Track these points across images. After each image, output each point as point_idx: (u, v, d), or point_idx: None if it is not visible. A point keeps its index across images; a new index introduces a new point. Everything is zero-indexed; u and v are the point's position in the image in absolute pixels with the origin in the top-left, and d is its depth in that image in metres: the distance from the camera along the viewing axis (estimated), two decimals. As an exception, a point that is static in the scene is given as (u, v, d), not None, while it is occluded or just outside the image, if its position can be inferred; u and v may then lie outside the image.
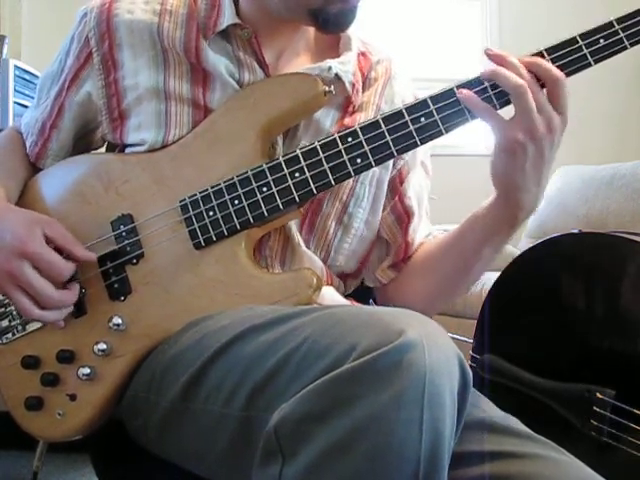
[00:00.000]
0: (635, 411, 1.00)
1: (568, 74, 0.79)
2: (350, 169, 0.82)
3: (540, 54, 0.80)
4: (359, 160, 0.82)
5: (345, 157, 0.82)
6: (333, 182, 0.82)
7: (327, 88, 0.84)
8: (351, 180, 0.90)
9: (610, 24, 0.79)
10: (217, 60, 0.88)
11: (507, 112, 0.80)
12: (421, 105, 0.81)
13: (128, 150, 0.91)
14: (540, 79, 0.78)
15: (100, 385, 0.83)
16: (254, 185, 0.83)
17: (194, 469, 0.77)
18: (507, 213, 0.85)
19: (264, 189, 0.83)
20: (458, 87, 0.80)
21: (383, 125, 0.81)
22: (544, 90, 0.78)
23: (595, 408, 1.03)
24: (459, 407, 0.59)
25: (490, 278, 1.21)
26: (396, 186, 0.97)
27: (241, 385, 0.67)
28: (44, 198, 0.93)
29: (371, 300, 1.09)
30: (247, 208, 0.83)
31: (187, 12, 0.90)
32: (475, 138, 3.17)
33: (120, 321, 0.83)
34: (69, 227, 0.86)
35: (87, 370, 0.83)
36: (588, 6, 3.05)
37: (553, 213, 2.96)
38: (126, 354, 0.83)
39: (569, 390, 1.07)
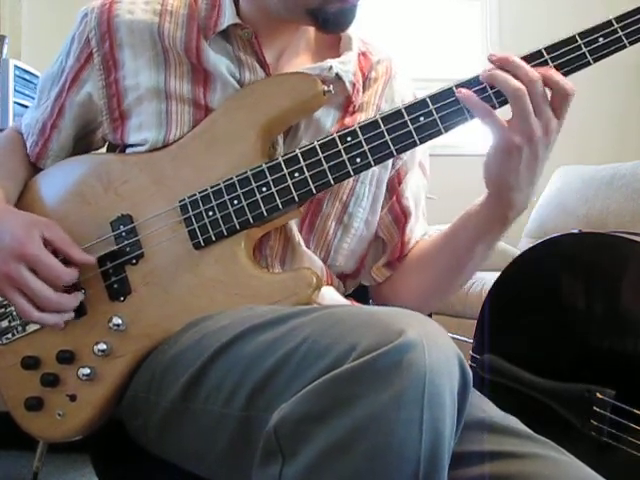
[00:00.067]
0: (635, 411, 1.00)
1: (567, 73, 0.79)
2: (349, 169, 0.82)
3: (539, 53, 0.79)
4: (358, 160, 0.82)
5: (344, 157, 0.82)
6: (332, 182, 0.82)
7: (326, 88, 0.84)
8: (351, 180, 0.90)
9: (609, 23, 0.79)
10: (218, 60, 0.88)
11: (506, 111, 0.80)
12: (420, 104, 0.81)
13: (129, 150, 0.91)
14: (548, 87, 0.77)
15: (100, 385, 0.83)
16: (253, 185, 0.83)
17: (194, 469, 0.77)
18: (499, 212, 0.85)
19: (263, 189, 0.83)
20: (457, 86, 0.80)
21: (382, 124, 0.81)
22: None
23: (595, 408, 1.03)
24: (459, 407, 0.59)
25: (490, 278, 1.21)
26: (394, 186, 0.97)
27: (241, 385, 0.67)
28: (43, 198, 0.93)
29: (371, 300, 1.09)
30: (246, 208, 0.83)
31: (188, 12, 0.91)
32: (474, 138, 3.18)
33: (120, 321, 0.83)
34: (69, 227, 0.86)
35: (87, 370, 0.83)
36: (588, 6, 3.04)
37: (553, 213, 2.96)
38: (126, 354, 0.83)
39: (569, 390, 1.07)
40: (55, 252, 0.84)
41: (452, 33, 3.59)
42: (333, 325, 0.62)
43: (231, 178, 0.84)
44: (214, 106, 0.88)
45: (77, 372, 0.83)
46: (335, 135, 0.82)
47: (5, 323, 0.89)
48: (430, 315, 1.49)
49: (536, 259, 1.20)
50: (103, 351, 0.83)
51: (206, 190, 0.84)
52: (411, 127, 0.81)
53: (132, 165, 0.89)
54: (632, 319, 1.04)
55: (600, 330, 1.07)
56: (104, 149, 0.99)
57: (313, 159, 0.82)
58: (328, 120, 0.91)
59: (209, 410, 0.71)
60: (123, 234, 0.86)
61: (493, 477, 0.71)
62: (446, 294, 1.01)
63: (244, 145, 0.85)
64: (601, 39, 0.78)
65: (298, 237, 0.89)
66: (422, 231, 1.01)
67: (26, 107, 2.12)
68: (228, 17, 0.89)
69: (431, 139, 0.81)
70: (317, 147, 0.82)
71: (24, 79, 2.24)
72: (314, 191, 0.83)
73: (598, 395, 1.03)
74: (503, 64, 0.78)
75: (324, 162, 0.82)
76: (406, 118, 0.81)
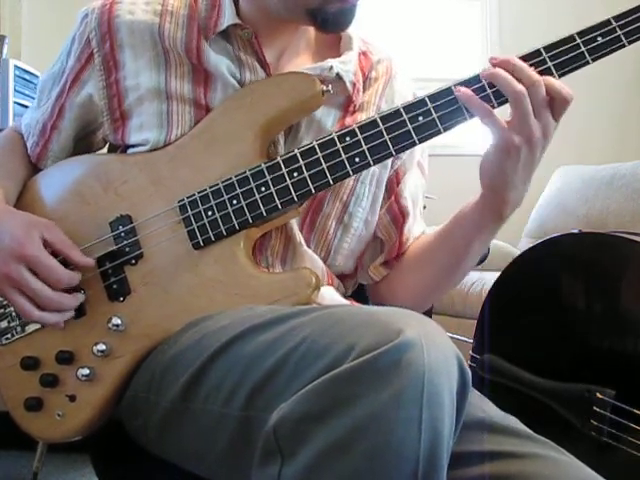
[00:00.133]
0: (635, 411, 1.00)
1: (566, 72, 0.79)
2: (349, 168, 0.82)
3: (538, 52, 0.79)
4: (357, 159, 0.82)
5: (343, 156, 0.82)
6: (331, 181, 0.82)
7: (325, 88, 0.84)
8: (351, 179, 0.91)
9: (607, 22, 0.79)
10: (218, 60, 0.88)
11: (505, 110, 0.80)
12: (419, 104, 0.81)
13: (130, 151, 0.91)
14: (549, 94, 0.77)
15: (99, 386, 0.83)
16: (252, 185, 0.83)
17: (194, 469, 0.77)
18: (494, 209, 0.85)
19: (262, 189, 0.83)
20: (456, 85, 0.80)
21: (381, 124, 0.81)
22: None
23: (595, 408, 1.03)
24: (458, 406, 0.59)
25: (490, 278, 1.21)
26: (392, 186, 0.97)
27: (240, 385, 0.67)
28: (43, 199, 0.93)
29: (371, 302, 1.09)
30: (245, 208, 0.83)
31: (188, 13, 0.91)
32: (474, 138, 3.18)
33: (119, 322, 0.83)
34: (68, 228, 0.86)
35: (86, 371, 0.83)
36: (588, 6, 3.05)
37: (553, 213, 2.97)
38: (125, 354, 0.83)
39: (569, 390, 1.07)
40: (54, 253, 0.84)
41: (452, 33, 3.60)
42: (332, 325, 0.62)
43: (230, 178, 0.84)
44: (215, 106, 0.88)
45: (76, 372, 0.83)
46: (334, 135, 0.82)
47: (4, 324, 0.89)
48: (430, 315, 1.49)
49: (536, 259, 1.20)
50: (102, 351, 0.83)
51: (205, 190, 0.84)
52: (410, 127, 0.81)
53: (131, 165, 0.89)
54: (632, 319, 1.04)
55: (600, 330, 1.07)
56: (105, 149, 0.99)
57: (312, 159, 0.82)
58: (329, 120, 0.91)
59: (209, 410, 0.71)
60: (122, 234, 0.86)
61: (493, 477, 0.71)
62: (443, 292, 1.02)
63: (243, 145, 0.85)
64: (600, 38, 0.78)
65: (299, 237, 0.89)
66: (420, 230, 1.01)
67: (26, 107, 2.12)
68: (228, 17, 0.89)
69: (430, 139, 0.81)
70: (316, 147, 0.82)
71: (24, 79, 2.24)
72: (313, 191, 0.83)
73: (598, 395, 1.03)
74: (505, 67, 0.78)
75: (323, 162, 0.82)
76: (405, 117, 0.81)
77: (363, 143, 0.81)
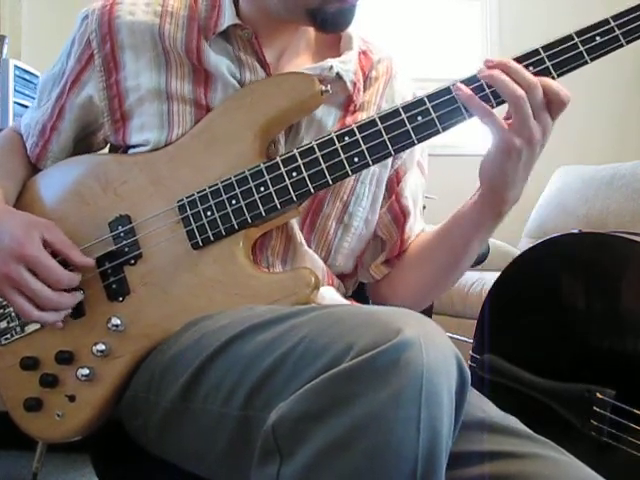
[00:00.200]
0: (635, 411, 1.00)
1: (564, 72, 0.79)
2: (347, 168, 0.82)
3: (536, 52, 0.79)
4: (356, 159, 0.82)
5: (342, 156, 0.82)
6: (330, 181, 0.82)
7: (324, 87, 0.84)
8: (352, 179, 0.91)
9: (606, 21, 0.79)
10: (219, 61, 0.88)
11: (503, 108, 0.80)
12: (418, 103, 0.81)
13: (131, 151, 0.91)
14: (546, 96, 0.77)
15: (99, 386, 0.83)
16: (251, 185, 0.83)
17: (194, 469, 0.77)
18: (493, 208, 0.86)
19: (261, 189, 0.83)
20: (455, 84, 0.80)
21: (380, 123, 0.81)
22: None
23: (595, 408, 1.03)
24: (457, 406, 0.59)
25: (490, 278, 1.21)
26: (393, 186, 0.97)
27: (240, 384, 0.67)
28: (42, 199, 0.93)
29: (370, 300, 1.09)
30: (245, 208, 0.83)
31: (188, 13, 0.91)
32: (474, 138, 3.18)
33: (119, 322, 0.83)
34: (67, 228, 0.86)
35: (86, 371, 0.83)
36: (588, 6, 3.05)
37: (553, 213, 2.97)
38: (125, 355, 0.83)
39: (569, 390, 1.07)
40: (54, 254, 0.84)
41: (452, 33, 3.60)
42: (331, 324, 0.62)
43: (229, 178, 0.84)
44: (215, 106, 0.88)
45: (76, 372, 0.83)
46: (333, 134, 0.82)
47: (4, 324, 0.89)
48: (430, 315, 1.49)
49: (536, 259, 1.20)
50: (102, 351, 0.83)
51: (204, 190, 0.84)
52: (409, 126, 0.81)
53: (130, 165, 0.89)
54: (632, 319, 1.04)
55: (600, 330, 1.07)
56: (106, 150, 0.99)
57: (311, 158, 0.82)
58: (329, 119, 0.91)
59: (208, 410, 0.71)
60: (121, 234, 0.86)
61: (493, 477, 0.71)
62: (442, 289, 1.02)
63: (242, 145, 0.85)
64: (598, 38, 0.78)
65: (300, 237, 0.89)
66: (420, 228, 1.02)
67: (26, 107, 2.12)
68: (228, 18, 0.89)
69: (429, 138, 0.81)
70: (315, 146, 0.82)
71: (24, 79, 2.24)
72: (312, 191, 0.83)
73: (598, 395, 1.03)
74: (501, 70, 0.78)
75: (322, 161, 0.82)
76: (404, 117, 0.81)
77: (362, 143, 0.81)
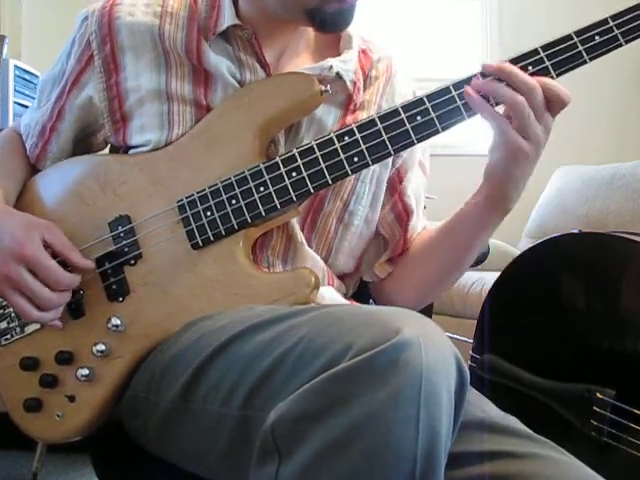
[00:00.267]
0: (635, 411, 1.00)
1: (564, 72, 0.79)
2: (347, 168, 0.82)
3: (535, 51, 0.80)
4: (356, 159, 0.82)
5: (342, 156, 0.82)
6: (330, 181, 0.82)
7: (323, 88, 0.84)
8: (352, 178, 0.91)
9: (605, 21, 0.79)
10: (219, 61, 0.88)
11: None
12: (417, 103, 0.81)
13: (131, 152, 0.91)
14: (546, 96, 0.78)
15: (99, 386, 0.83)
16: (251, 185, 0.83)
17: (194, 469, 0.77)
18: (499, 207, 0.87)
19: (261, 189, 0.83)
20: (455, 85, 0.80)
21: (379, 123, 0.81)
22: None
23: (595, 408, 1.03)
24: (456, 406, 0.59)
25: (490, 278, 1.21)
26: (395, 185, 0.97)
27: (239, 384, 0.67)
28: (42, 199, 0.93)
29: (371, 300, 1.09)
30: (244, 208, 0.83)
31: (188, 14, 0.91)
32: (475, 138, 3.18)
33: (119, 322, 0.83)
34: (67, 228, 0.86)
35: (86, 371, 0.83)
36: (588, 6, 3.04)
37: (553, 213, 2.97)
38: (125, 355, 0.83)
39: (569, 390, 1.07)
40: (54, 255, 0.84)
41: (452, 33, 3.59)
42: (330, 324, 0.62)
43: (229, 178, 0.84)
44: (215, 106, 0.88)
45: (76, 373, 0.83)
46: (332, 134, 0.82)
47: (4, 324, 0.89)
48: (430, 315, 1.50)
49: (536, 259, 1.20)
50: (102, 352, 0.83)
51: (204, 190, 0.84)
52: (408, 126, 0.81)
53: (130, 166, 0.89)
54: (632, 319, 1.04)
55: (600, 330, 1.07)
56: (106, 151, 0.99)
57: (310, 158, 0.82)
58: (330, 119, 0.91)
59: (208, 410, 0.71)
60: (121, 235, 0.86)
61: (493, 477, 0.71)
62: (446, 286, 1.04)
63: (242, 145, 0.85)
64: (597, 37, 0.79)
65: (301, 236, 0.89)
66: (421, 226, 1.02)
67: (26, 107, 2.12)
68: (227, 18, 0.89)
69: (428, 138, 0.81)
70: (314, 146, 0.82)
71: (24, 79, 2.24)
72: (312, 191, 0.83)
73: (598, 395, 1.03)
74: (499, 75, 0.79)
75: (321, 161, 0.82)
76: (403, 117, 0.81)
77: (361, 142, 0.81)
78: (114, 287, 0.86)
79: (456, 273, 1.00)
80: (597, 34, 0.79)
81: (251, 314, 0.73)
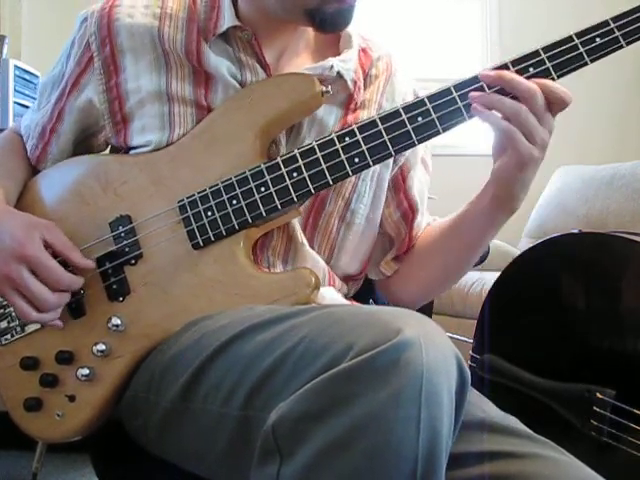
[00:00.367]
0: (635, 411, 1.00)
1: (564, 73, 0.80)
2: (348, 169, 0.82)
3: (536, 53, 0.80)
4: (357, 159, 0.82)
5: (343, 156, 0.82)
6: (331, 182, 0.82)
7: (324, 88, 0.84)
8: (353, 177, 0.91)
9: (606, 23, 0.79)
10: (219, 62, 0.88)
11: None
12: (418, 104, 0.81)
13: (132, 152, 0.91)
14: (547, 97, 0.78)
15: (99, 386, 0.83)
16: (252, 185, 0.83)
17: (194, 469, 0.77)
18: (506, 207, 0.87)
19: (262, 189, 0.83)
20: (456, 88, 0.81)
21: (380, 124, 0.81)
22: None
23: (595, 408, 1.03)
24: (457, 406, 0.59)
25: (490, 278, 1.21)
26: (399, 183, 0.98)
27: (239, 384, 0.67)
28: (43, 199, 0.93)
29: (371, 300, 1.10)
30: (245, 208, 0.83)
31: (187, 15, 0.91)
32: (475, 138, 3.18)
33: (119, 322, 0.83)
34: (68, 228, 0.86)
35: (86, 371, 0.83)
36: (588, 6, 3.05)
37: (553, 213, 2.97)
38: (125, 355, 0.83)
39: (569, 390, 1.07)
40: (54, 255, 0.84)
41: (452, 33, 3.59)
42: (331, 324, 0.62)
43: (230, 178, 0.84)
44: (216, 107, 0.88)
45: (76, 372, 0.83)
46: (333, 135, 0.82)
47: (4, 324, 0.89)
48: (430, 315, 1.50)
49: (536, 259, 1.20)
50: (102, 351, 0.83)
51: (205, 190, 0.84)
52: (409, 127, 0.81)
53: (131, 166, 0.89)
54: (632, 319, 1.04)
55: (600, 330, 1.07)
56: (106, 152, 0.99)
57: (311, 159, 0.82)
58: (331, 119, 0.91)
59: (208, 410, 0.71)
60: (122, 234, 0.86)
61: (493, 477, 0.71)
62: (451, 284, 1.06)
63: (243, 145, 0.85)
64: (598, 39, 0.79)
65: (301, 237, 0.89)
66: (426, 223, 1.03)
67: (26, 107, 2.12)
68: (227, 19, 0.89)
69: (429, 139, 0.82)
70: (315, 147, 0.82)
71: (24, 79, 2.24)
72: (313, 191, 0.83)
73: (598, 395, 1.03)
74: (499, 83, 0.79)
75: (322, 162, 0.82)
76: (404, 118, 0.81)
77: (362, 143, 0.82)
78: (114, 287, 0.86)
79: (461, 271, 1.01)
80: (598, 36, 0.79)
81: (251, 314, 0.73)
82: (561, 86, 0.79)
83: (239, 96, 0.87)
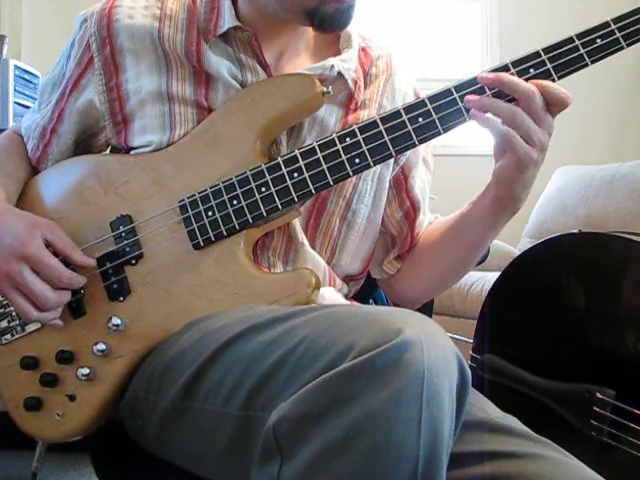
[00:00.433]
0: (635, 411, 1.00)
1: (565, 74, 0.80)
2: (349, 169, 0.82)
3: (537, 54, 0.80)
4: (357, 160, 0.82)
5: (343, 157, 0.82)
6: (332, 182, 0.83)
7: (325, 89, 0.84)
8: (354, 177, 0.91)
9: (606, 24, 0.79)
10: (219, 63, 0.88)
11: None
12: (419, 105, 0.81)
13: (133, 153, 0.91)
14: (546, 98, 0.78)
15: (99, 385, 0.83)
16: (253, 185, 0.83)
17: (194, 469, 0.77)
18: (508, 207, 0.87)
19: (263, 189, 0.83)
20: (457, 89, 0.81)
21: (381, 125, 0.81)
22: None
23: (595, 408, 1.03)
24: (458, 406, 0.59)
25: (490, 278, 1.21)
26: (401, 183, 0.98)
27: (240, 384, 0.67)
28: (43, 199, 0.93)
29: (371, 300, 1.10)
30: (246, 208, 0.83)
31: (187, 16, 0.91)
32: (475, 138, 3.17)
33: (119, 321, 0.83)
34: (68, 228, 0.86)
35: (86, 370, 0.83)
36: (588, 6, 3.05)
37: (553, 213, 2.96)
38: (125, 354, 0.83)
39: (569, 390, 1.07)
40: (55, 254, 0.84)
41: (452, 33, 3.59)
42: (332, 325, 0.62)
43: (230, 178, 0.84)
44: (216, 107, 0.88)
45: (76, 372, 0.83)
46: (334, 135, 0.82)
47: (4, 323, 0.89)
48: (430, 315, 1.50)
49: (536, 259, 1.20)
50: (102, 351, 0.83)
51: (205, 190, 0.84)
52: (410, 128, 0.81)
53: (132, 166, 0.89)
54: (632, 319, 1.04)
55: (600, 330, 1.07)
56: (107, 152, 0.99)
57: (312, 159, 0.82)
58: (331, 118, 0.91)
59: (208, 410, 0.71)
60: (122, 234, 0.86)
61: (493, 477, 0.71)
62: (453, 283, 1.06)
63: (243, 146, 0.85)
64: (599, 40, 0.79)
65: (302, 237, 0.89)
66: (428, 221, 1.03)
67: (26, 107, 2.12)
68: (227, 20, 0.89)
69: (430, 139, 0.82)
70: (316, 147, 0.83)
71: (24, 79, 2.24)
72: (313, 191, 0.83)
73: (598, 395, 1.03)
74: (497, 86, 0.79)
75: (323, 162, 0.82)
76: (405, 118, 0.81)
77: (363, 144, 0.82)
78: (115, 287, 0.86)
79: (462, 270, 1.01)
80: (599, 37, 0.79)
81: (252, 314, 0.73)
82: (560, 87, 0.79)
83: (240, 96, 0.87)
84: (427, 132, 0.81)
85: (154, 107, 0.89)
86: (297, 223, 0.89)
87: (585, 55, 0.79)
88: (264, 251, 0.88)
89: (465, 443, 0.72)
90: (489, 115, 0.79)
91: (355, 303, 0.95)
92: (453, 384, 0.58)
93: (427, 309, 1.52)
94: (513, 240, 2.77)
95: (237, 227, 0.83)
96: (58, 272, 0.82)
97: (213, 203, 0.84)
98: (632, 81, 3.50)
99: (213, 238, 0.84)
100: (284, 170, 0.83)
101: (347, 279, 0.97)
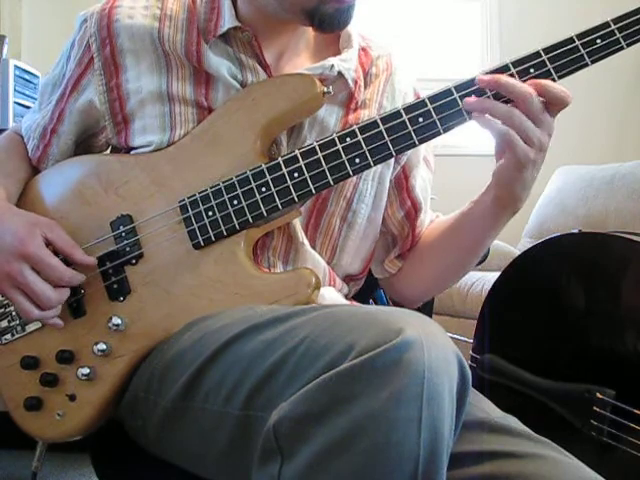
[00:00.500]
0: (635, 411, 1.00)
1: (565, 74, 0.80)
2: (349, 169, 0.82)
3: (537, 54, 0.80)
4: (358, 160, 0.82)
5: (344, 157, 0.82)
6: (332, 182, 0.83)
7: (325, 89, 0.84)
8: (354, 177, 0.91)
9: (606, 24, 0.79)
10: (219, 63, 0.88)
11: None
12: (419, 105, 0.81)
13: (133, 153, 0.91)
14: (545, 98, 0.78)
15: (99, 385, 0.83)
16: (253, 185, 0.83)
17: (194, 469, 0.77)
18: (509, 206, 0.88)
19: (263, 189, 0.83)
20: (457, 89, 0.81)
21: (381, 125, 0.81)
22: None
23: (595, 408, 1.03)
24: (458, 406, 0.59)
25: (490, 278, 1.21)
26: (402, 183, 0.98)
27: (240, 384, 0.67)
28: (44, 199, 0.93)
29: (371, 300, 1.10)
30: (246, 208, 0.83)
31: (187, 16, 0.91)
32: (475, 138, 3.17)
33: (119, 321, 0.83)
34: (69, 228, 0.86)
35: (86, 370, 0.83)
36: (588, 6, 3.05)
37: (553, 213, 2.96)
38: (125, 354, 0.83)
39: (569, 390, 1.07)
40: (56, 253, 0.84)
41: (452, 33, 3.59)
42: (332, 325, 0.62)
43: (231, 178, 0.84)
44: (217, 107, 0.88)
45: (76, 372, 0.83)
46: (335, 135, 0.83)
47: (5, 323, 0.89)
48: (430, 315, 1.50)
49: (536, 259, 1.20)
50: (103, 351, 0.83)
51: (206, 190, 0.84)
52: (410, 128, 0.81)
53: (132, 166, 0.89)
54: (632, 319, 1.04)
55: (600, 330, 1.07)
56: (107, 152, 0.99)
57: (312, 159, 0.82)
58: (332, 118, 0.91)
59: (209, 410, 0.71)
60: (123, 234, 0.86)
61: (493, 477, 0.71)
62: (454, 282, 1.07)
63: (244, 146, 0.85)
64: (599, 40, 0.79)
65: (302, 237, 0.89)
66: (429, 220, 1.04)
67: (26, 107, 2.12)
68: (227, 20, 0.89)
69: (430, 140, 0.82)
70: (316, 147, 0.83)
71: (24, 79, 2.24)
72: (314, 191, 0.83)
73: (598, 395, 1.03)
74: (494, 87, 0.79)
75: (323, 162, 0.82)
76: (405, 119, 0.81)
77: (363, 144, 0.82)
78: (115, 286, 0.86)
79: (463, 270, 1.02)
80: (599, 37, 0.79)
81: (252, 314, 0.73)
82: (560, 86, 0.79)
83: (240, 96, 0.87)
84: (427, 132, 0.81)
85: (154, 107, 0.89)
86: (297, 223, 0.89)
87: (585, 55, 0.79)
88: (264, 251, 0.88)
89: (465, 443, 0.72)
90: (488, 116, 0.80)
91: (355, 303, 0.95)
92: (453, 384, 0.58)
93: (427, 309, 1.52)
94: (513, 240, 2.77)
95: (237, 227, 0.83)
96: (59, 271, 0.82)
97: (213, 203, 0.84)
98: (632, 81, 3.50)
99: (213, 238, 0.84)
100: (284, 170, 0.83)
101: (347, 279, 0.97)
